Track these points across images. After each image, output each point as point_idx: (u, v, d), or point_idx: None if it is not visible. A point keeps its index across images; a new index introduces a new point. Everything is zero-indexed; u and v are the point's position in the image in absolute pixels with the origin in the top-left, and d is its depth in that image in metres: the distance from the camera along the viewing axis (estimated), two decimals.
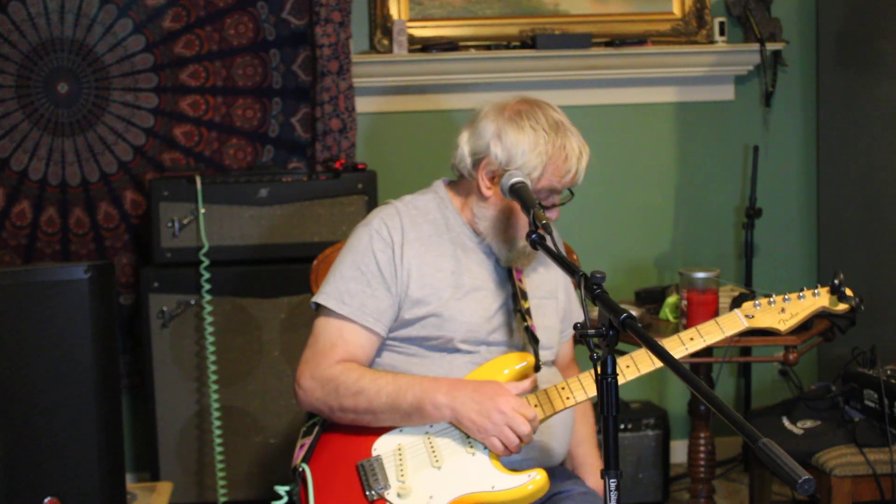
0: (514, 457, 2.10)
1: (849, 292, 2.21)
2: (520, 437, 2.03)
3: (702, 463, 3.15)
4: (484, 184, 2.19)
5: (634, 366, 2.11)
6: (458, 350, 2.16)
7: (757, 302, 2.20)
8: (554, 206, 2.19)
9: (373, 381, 2.09)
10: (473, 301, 2.18)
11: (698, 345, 2.16)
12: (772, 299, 2.20)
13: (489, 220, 2.21)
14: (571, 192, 2.22)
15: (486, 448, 2.06)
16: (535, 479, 2.02)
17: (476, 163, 2.20)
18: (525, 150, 2.13)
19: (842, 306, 2.22)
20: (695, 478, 3.17)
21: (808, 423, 2.96)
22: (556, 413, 2.10)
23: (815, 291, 2.22)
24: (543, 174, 2.14)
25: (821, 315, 2.38)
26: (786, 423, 3.00)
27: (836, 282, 2.20)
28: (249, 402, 3.42)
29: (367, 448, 2.10)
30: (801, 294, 2.22)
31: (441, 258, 2.20)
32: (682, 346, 2.15)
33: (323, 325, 2.18)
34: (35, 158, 3.70)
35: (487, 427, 2.03)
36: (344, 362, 2.13)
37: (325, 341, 2.16)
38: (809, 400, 3.07)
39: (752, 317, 2.18)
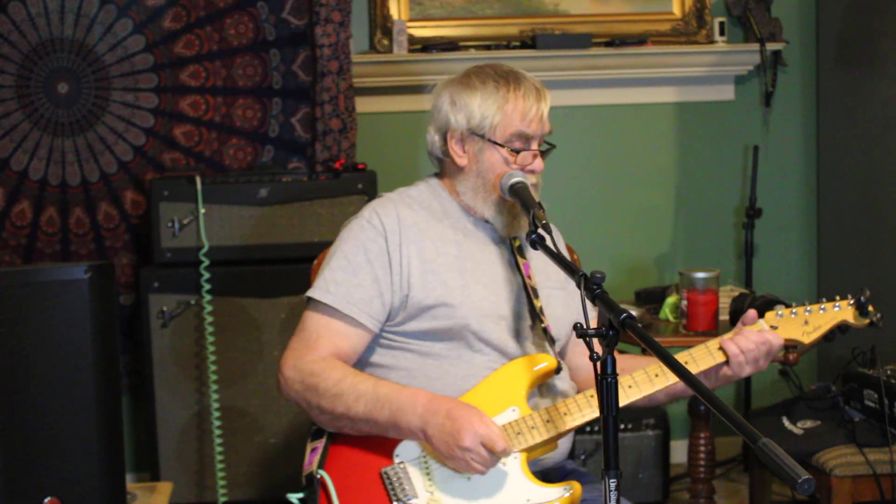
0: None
1: (870, 308, 2.19)
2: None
3: (702, 463, 3.15)
4: (456, 154, 2.19)
5: (637, 386, 2.07)
6: (473, 347, 2.11)
7: (779, 312, 2.16)
8: (535, 155, 2.16)
9: (353, 385, 2.02)
10: (482, 286, 2.14)
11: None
12: (793, 310, 2.17)
13: (472, 189, 2.19)
14: (551, 144, 2.20)
15: (516, 457, 2.00)
16: (570, 492, 1.98)
17: (444, 139, 2.22)
18: (479, 103, 2.15)
19: (863, 321, 2.20)
20: (695, 478, 3.17)
21: (808, 423, 2.96)
22: (568, 431, 2.05)
23: (836, 304, 2.18)
24: (503, 118, 2.14)
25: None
26: (786, 423, 3.00)
27: (863, 298, 2.17)
28: (249, 402, 3.41)
29: (389, 454, 2.03)
30: (822, 307, 2.18)
31: (442, 243, 2.17)
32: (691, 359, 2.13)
33: (309, 315, 2.14)
34: (35, 158, 3.70)
35: (453, 462, 1.96)
36: (329, 358, 2.07)
37: (312, 331, 2.12)
38: (809, 400, 3.07)
39: (777, 328, 2.16)
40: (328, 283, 2.12)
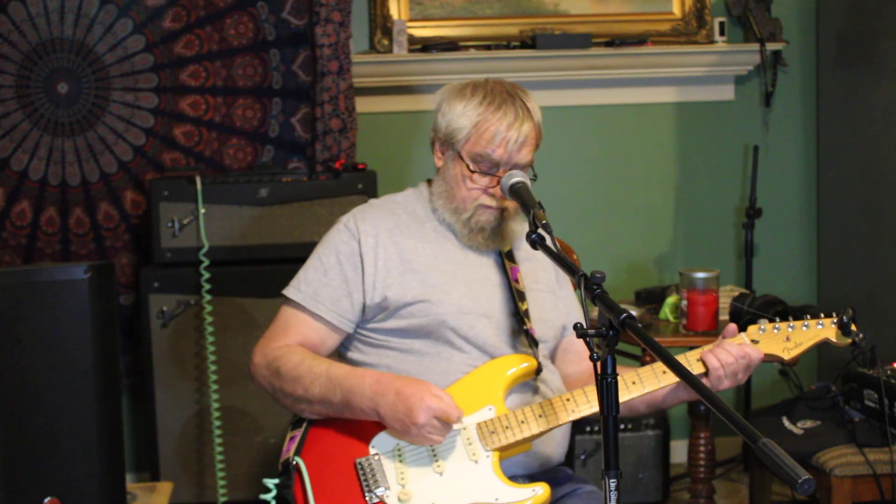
0: (514, 459, 2.09)
1: (853, 327, 2.18)
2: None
3: (702, 463, 3.15)
4: (436, 155, 2.24)
5: (640, 383, 2.07)
6: (453, 345, 2.13)
7: (762, 327, 2.16)
8: (495, 182, 2.13)
9: (310, 369, 2.09)
10: (463, 285, 2.17)
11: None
12: (776, 326, 2.17)
13: (437, 193, 2.24)
14: (534, 175, 2.16)
15: (488, 456, 2.03)
16: (538, 495, 2.01)
17: (432, 140, 2.26)
18: (459, 113, 2.17)
19: (845, 340, 2.20)
20: (695, 478, 3.18)
21: (808, 423, 2.96)
22: (560, 425, 2.07)
23: (820, 322, 2.17)
24: (473, 135, 2.15)
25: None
26: (786, 423, 3.00)
27: (846, 319, 2.16)
28: (249, 402, 3.41)
29: (364, 445, 2.07)
30: (805, 324, 2.17)
31: (423, 244, 2.21)
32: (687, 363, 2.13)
33: (283, 309, 2.24)
34: (35, 158, 3.70)
35: (410, 437, 2.01)
36: (293, 345, 2.15)
37: (282, 322, 2.21)
38: (809, 400, 3.07)
39: (758, 342, 2.15)
40: (300, 283, 2.22)
